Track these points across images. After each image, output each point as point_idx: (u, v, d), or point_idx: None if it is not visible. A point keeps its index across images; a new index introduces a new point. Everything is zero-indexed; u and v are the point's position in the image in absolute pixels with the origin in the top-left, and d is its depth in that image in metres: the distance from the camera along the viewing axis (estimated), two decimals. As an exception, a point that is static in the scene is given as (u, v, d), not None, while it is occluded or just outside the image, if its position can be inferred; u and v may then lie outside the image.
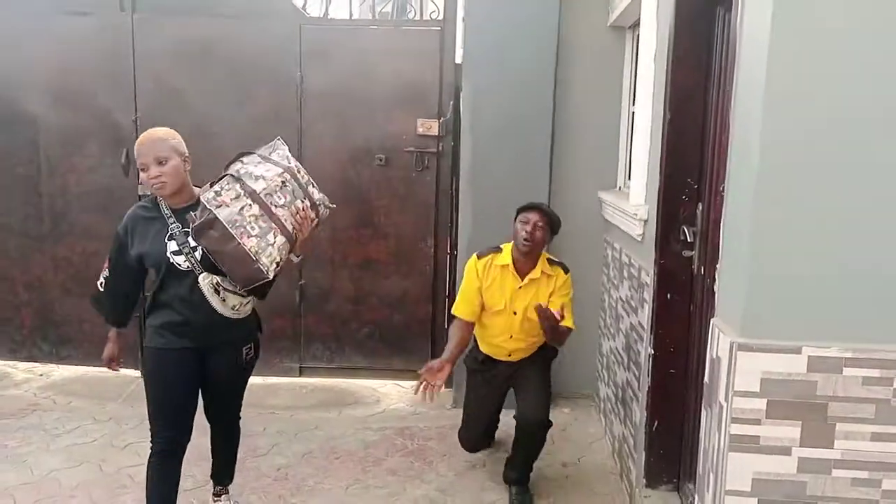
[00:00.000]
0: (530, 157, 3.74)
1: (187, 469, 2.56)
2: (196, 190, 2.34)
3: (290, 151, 3.96)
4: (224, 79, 3.96)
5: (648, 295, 2.71)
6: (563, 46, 3.71)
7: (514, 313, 2.89)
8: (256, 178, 2.24)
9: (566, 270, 2.98)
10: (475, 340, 3.07)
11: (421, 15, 3.99)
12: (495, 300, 2.89)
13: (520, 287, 2.88)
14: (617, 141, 3.81)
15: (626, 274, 3.25)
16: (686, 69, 2.43)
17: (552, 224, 2.90)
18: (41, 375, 4.29)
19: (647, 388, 2.67)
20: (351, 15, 3.95)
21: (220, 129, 3.95)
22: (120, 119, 4.03)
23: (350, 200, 3.99)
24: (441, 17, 3.89)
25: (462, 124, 3.77)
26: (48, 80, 4.04)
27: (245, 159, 2.32)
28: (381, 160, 3.96)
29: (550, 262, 2.97)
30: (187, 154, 2.31)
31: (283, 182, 2.27)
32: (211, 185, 2.28)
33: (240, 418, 2.67)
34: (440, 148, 3.95)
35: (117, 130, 4.04)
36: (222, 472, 2.72)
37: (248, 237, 2.17)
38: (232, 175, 2.23)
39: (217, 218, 2.15)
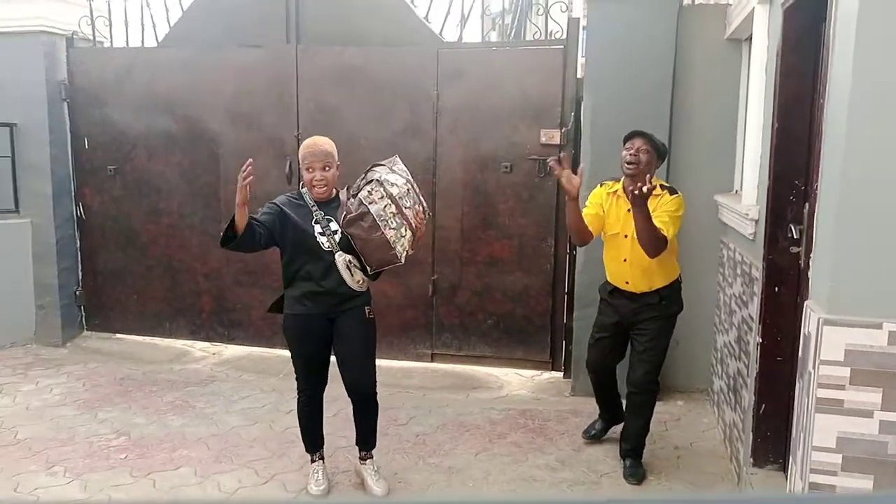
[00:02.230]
0: (647, 163, 4.00)
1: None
2: (334, 189, 2.95)
3: (426, 161, 4.52)
4: (371, 98, 4.53)
5: (758, 289, 2.93)
6: (681, 59, 3.96)
7: (626, 236, 3.10)
8: (392, 184, 2.82)
9: (673, 193, 3.10)
10: (605, 272, 3.31)
11: (546, 35, 4.37)
12: (611, 224, 3.14)
13: (628, 210, 3.04)
14: (734, 147, 4.00)
15: (738, 271, 3.45)
16: (793, 80, 2.66)
17: (656, 148, 3.08)
18: (214, 354, 5.04)
19: (755, 375, 2.89)
20: (483, 38, 4.39)
21: (367, 142, 4.52)
22: (284, 135, 4.70)
23: (478, 204, 4.44)
24: (564, 35, 4.25)
25: (582, 134, 4.11)
26: (226, 103, 4.78)
27: (378, 168, 2.89)
28: (506, 167, 4.37)
29: (661, 186, 3.11)
30: (339, 162, 2.95)
31: (408, 190, 2.86)
32: (348, 188, 2.91)
33: (376, 393, 3.10)
34: (561, 156, 4.29)
35: (282, 145, 4.71)
36: (364, 441, 3.15)
37: (389, 229, 2.78)
38: (377, 180, 2.82)
39: (370, 212, 2.76)
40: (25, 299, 5.07)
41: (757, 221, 3.03)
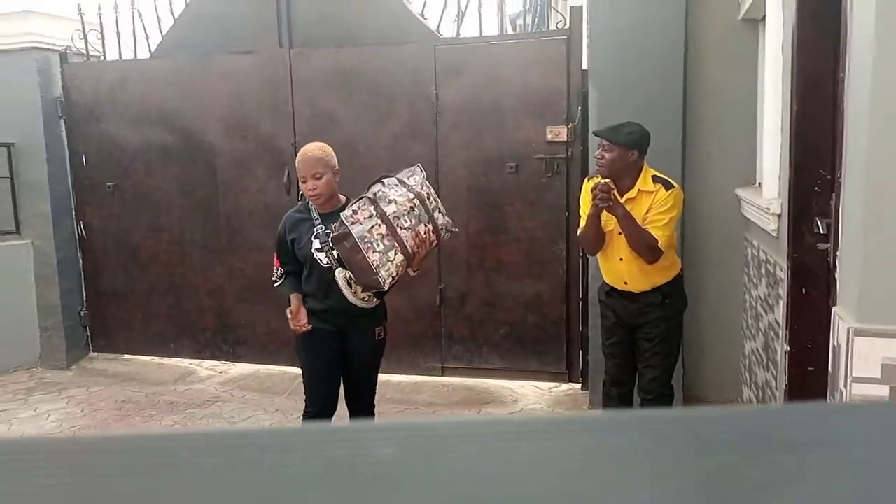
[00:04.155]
0: (661, 157, 3.68)
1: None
2: (342, 198, 2.77)
3: (427, 163, 4.28)
4: (367, 100, 4.33)
5: (783, 290, 2.64)
6: (693, 43, 3.68)
7: (620, 233, 2.86)
8: (390, 201, 2.60)
9: (668, 187, 2.83)
10: (601, 273, 3.09)
11: (547, 25, 4.12)
12: (604, 220, 2.88)
13: None
14: (754, 136, 3.70)
15: (763, 271, 3.16)
16: (811, 57, 2.37)
17: (619, 142, 2.81)
18: (221, 372, 4.89)
19: (783, 388, 2.60)
20: (481, 32, 4.15)
21: (366, 146, 4.32)
22: (281, 143, 4.53)
23: (483, 207, 4.20)
24: (567, 25, 3.99)
25: (590, 128, 3.84)
26: (221, 112, 4.63)
27: (386, 181, 2.69)
28: (511, 167, 4.12)
29: (655, 179, 2.87)
30: (337, 167, 2.74)
31: (411, 207, 2.61)
32: (353, 202, 2.70)
33: (374, 405, 3.01)
34: (569, 153, 4.04)
35: (279, 154, 4.53)
36: None
37: (373, 252, 2.54)
38: (369, 197, 2.62)
39: (350, 233, 2.54)
40: (29, 322, 4.97)
41: (779, 216, 2.74)
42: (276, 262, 2.86)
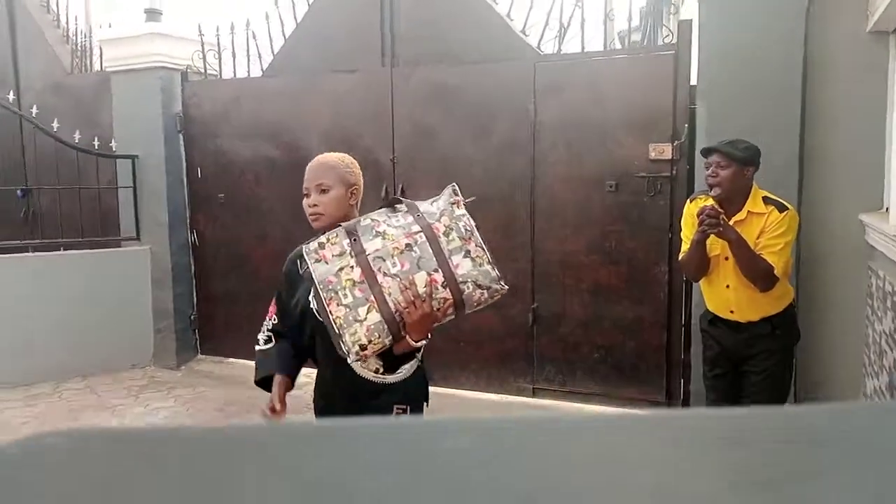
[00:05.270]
0: (774, 178, 3.48)
1: None
2: None
3: (524, 180, 4.19)
4: (466, 117, 4.34)
5: (912, 328, 2.40)
6: (813, 57, 3.43)
7: (727, 258, 2.71)
8: (377, 234, 1.78)
9: (782, 209, 2.65)
10: (703, 300, 2.95)
11: (656, 41, 3.98)
12: (710, 245, 2.73)
13: None
14: (882, 157, 3.40)
15: (889, 304, 2.88)
16: (952, 72, 2.14)
17: (737, 158, 2.66)
18: (316, 380, 5.01)
19: (911, 435, 2.34)
20: (583, 48, 4.06)
21: (463, 162, 4.32)
22: (380, 158, 4.61)
23: (580, 226, 4.09)
24: (675, 40, 3.84)
25: (697, 146, 3.66)
26: (324, 128, 4.77)
27: (399, 206, 1.87)
28: (611, 186, 3.99)
29: (766, 200, 2.70)
30: (357, 185, 1.99)
31: (407, 245, 1.76)
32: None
33: None
34: (674, 172, 3.86)
35: (378, 168, 4.61)
36: None
37: (338, 305, 1.73)
38: (349, 229, 1.80)
39: (312, 276, 1.77)
40: (145, 323, 5.31)
41: (910, 246, 2.50)
42: (271, 310, 2.12)
